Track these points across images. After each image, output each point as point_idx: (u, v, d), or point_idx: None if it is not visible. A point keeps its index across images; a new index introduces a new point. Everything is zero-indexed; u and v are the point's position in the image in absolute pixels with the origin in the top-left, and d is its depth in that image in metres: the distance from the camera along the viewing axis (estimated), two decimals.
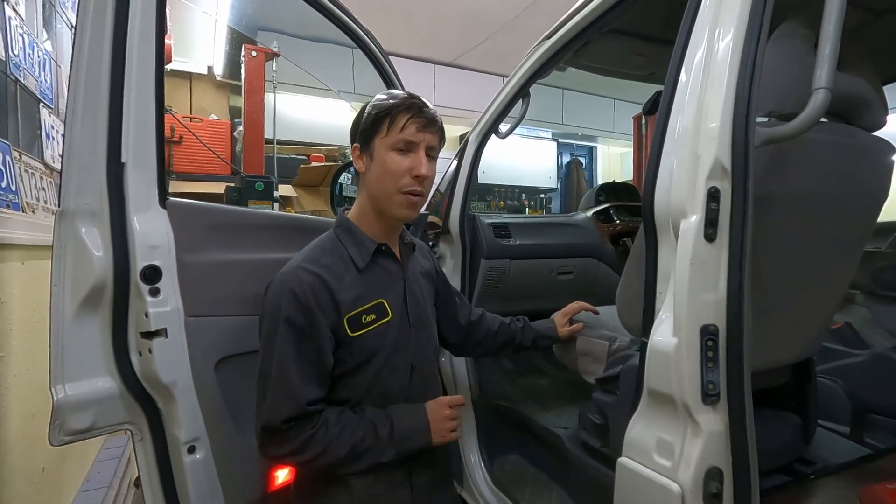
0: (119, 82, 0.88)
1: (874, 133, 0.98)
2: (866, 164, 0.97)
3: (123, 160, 0.90)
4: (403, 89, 1.03)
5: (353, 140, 0.99)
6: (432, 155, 0.96)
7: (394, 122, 0.91)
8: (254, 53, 3.41)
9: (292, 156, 4.12)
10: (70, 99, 0.87)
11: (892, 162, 1.00)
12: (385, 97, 0.94)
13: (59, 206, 0.88)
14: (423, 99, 0.95)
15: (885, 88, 1.01)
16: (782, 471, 1.16)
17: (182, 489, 0.98)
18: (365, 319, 0.92)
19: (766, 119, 0.84)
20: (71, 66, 0.87)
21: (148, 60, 0.91)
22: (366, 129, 0.94)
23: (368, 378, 0.94)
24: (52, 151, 1.71)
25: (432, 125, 0.94)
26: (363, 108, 0.97)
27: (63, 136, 0.89)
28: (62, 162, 0.87)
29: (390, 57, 1.55)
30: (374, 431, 0.90)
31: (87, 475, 1.84)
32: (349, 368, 0.92)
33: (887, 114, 0.97)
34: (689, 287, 0.70)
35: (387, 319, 0.95)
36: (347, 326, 0.90)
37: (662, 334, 0.73)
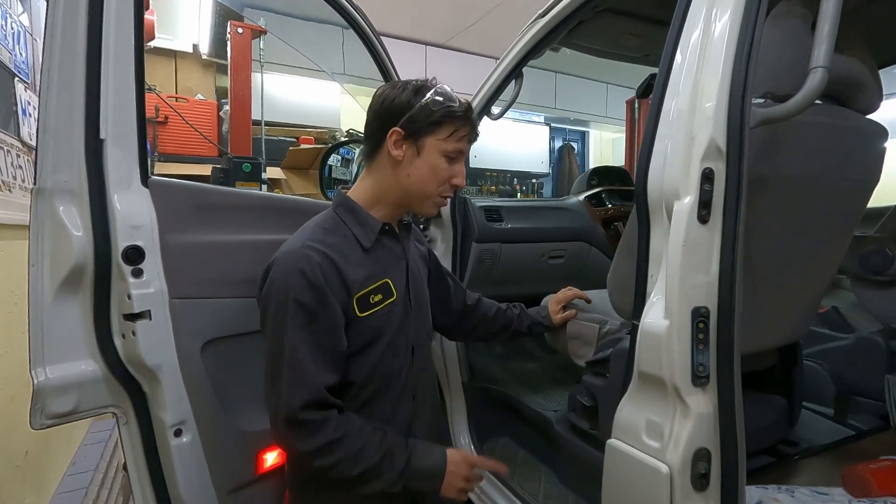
0: (96, 53, 0.84)
1: (868, 116, 0.97)
2: (860, 148, 0.97)
3: (102, 136, 0.86)
4: (396, 71, 0.99)
5: (392, 122, 0.90)
6: None
7: (457, 130, 0.91)
8: (240, 30, 3.32)
9: (281, 138, 4.05)
10: (44, 70, 0.83)
11: (885, 146, 0.99)
12: (446, 96, 0.91)
13: (34, 183, 0.84)
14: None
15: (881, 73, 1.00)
16: (767, 452, 1.18)
17: (169, 472, 0.97)
18: (373, 299, 0.91)
19: (761, 100, 0.83)
20: (45, 36, 0.83)
21: (126, 31, 0.87)
22: (421, 122, 0.89)
23: (374, 359, 0.92)
24: (29, 128, 1.65)
25: (475, 138, 0.97)
26: (412, 93, 0.90)
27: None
28: (37, 137, 0.84)
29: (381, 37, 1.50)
30: (390, 461, 0.86)
31: (73, 459, 1.82)
32: (355, 350, 0.90)
33: (882, 97, 0.97)
34: (681, 269, 0.69)
35: (392, 300, 0.94)
36: (356, 307, 0.89)
37: (654, 317, 0.73)
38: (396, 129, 0.90)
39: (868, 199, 1.04)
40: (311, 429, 0.82)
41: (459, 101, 0.92)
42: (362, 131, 0.99)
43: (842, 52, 0.89)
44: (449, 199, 0.96)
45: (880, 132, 0.98)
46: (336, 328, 0.86)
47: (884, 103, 0.99)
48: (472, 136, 0.95)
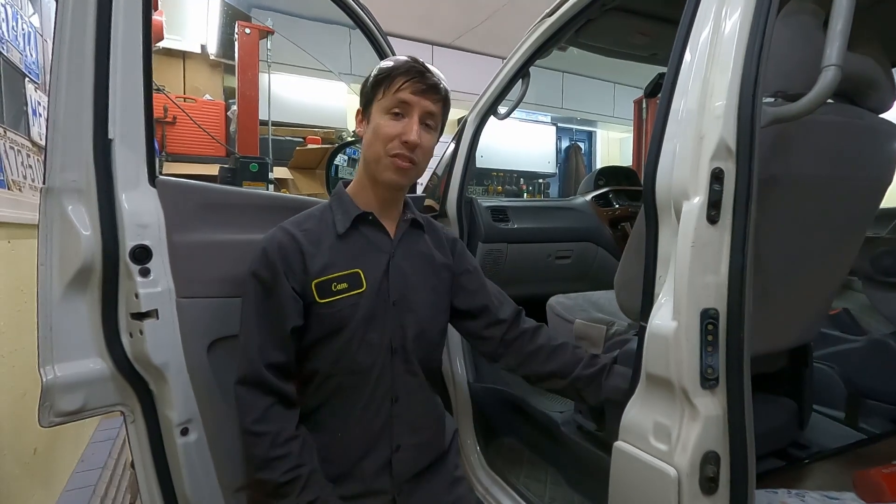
0: (104, 54, 0.85)
1: (881, 115, 0.96)
2: (872, 147, 0.95)
3: (111, 136, 0.87)
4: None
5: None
6: (430, 124, 0.92)
7: (391, 84, 0.89)
8: (247, 30, 3.34)
9: (288, 138, 4.07)
10: (53, 70, 0.84)
11: None
12: (389, 62, 0.92)
13: (44, 182, 0.85)
14: (428, 65, 0.93)
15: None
16: (777, 455, 1.17)
17: (175, 471, 0.97)
18: (335, 287, 0.89)
19: (772, 99, 0.82)
20: (54, 35, 0.84)
21: (134, 31, 0.87)
22: (366, 93, 0.94)
23: (336, 350, 0.90)
24: (39, 128, 1.67)
25: (433, 91, 0.91)
26: (369, 75, 0.95)
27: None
28: (46, 137, 0.84)
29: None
30: (293, 489, 0.83)
31: (82, 456, 1.84)
32: (318, 338, 0.90)
33: (895, 96, 0.95)
34: (689, 270, 0.69)
35: (360, 291, 0.91)
36: (316, 292, 0.89)
37: (662, 318, 0.72)
38: (358, 109, 0.97)
39: (881, 200, 1.02)
40: (242, 406, 0.86)
41: (401, 59, 0.92)
42: None
43: (854, 50, 0.88)
44: (410, 166, 0.90)
45: (894, 131, 0.96)
46: (284, 308, 0.87)
47: None
48: (419, 86, 0.89)
